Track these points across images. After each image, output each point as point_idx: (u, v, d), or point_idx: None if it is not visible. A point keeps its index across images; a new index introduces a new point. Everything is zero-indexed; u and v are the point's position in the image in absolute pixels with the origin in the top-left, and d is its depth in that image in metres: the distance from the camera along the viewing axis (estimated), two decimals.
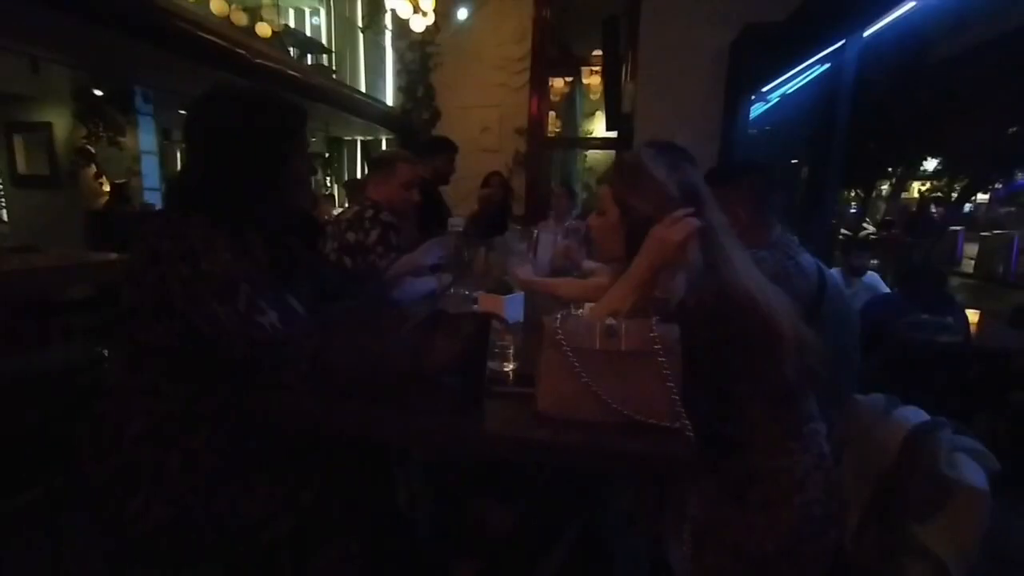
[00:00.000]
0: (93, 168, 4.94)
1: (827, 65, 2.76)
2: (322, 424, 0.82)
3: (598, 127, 7.76)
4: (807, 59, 2.82)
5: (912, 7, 2.32)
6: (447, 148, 3.01)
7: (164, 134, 5.65)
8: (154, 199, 5.22)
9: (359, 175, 7.45)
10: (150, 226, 0.85)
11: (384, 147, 7.18)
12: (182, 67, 3.50)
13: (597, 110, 7.69)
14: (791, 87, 3.08)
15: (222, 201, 0.89)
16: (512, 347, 0.94)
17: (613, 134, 4.56)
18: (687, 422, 0.71)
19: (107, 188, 5.03)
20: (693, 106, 3.30)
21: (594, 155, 7.74)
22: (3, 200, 5.30)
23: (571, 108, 7.15)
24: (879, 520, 0.88)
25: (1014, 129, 6.97)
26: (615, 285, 0.89)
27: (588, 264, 2.08)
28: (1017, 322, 3.09)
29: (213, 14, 4.27)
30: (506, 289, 1.34)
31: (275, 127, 0.93)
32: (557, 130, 6.67)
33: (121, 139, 4.96)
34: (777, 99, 3.15)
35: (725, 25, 3.14)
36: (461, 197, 3.82)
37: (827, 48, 2.67)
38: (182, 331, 0.82)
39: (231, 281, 0.81)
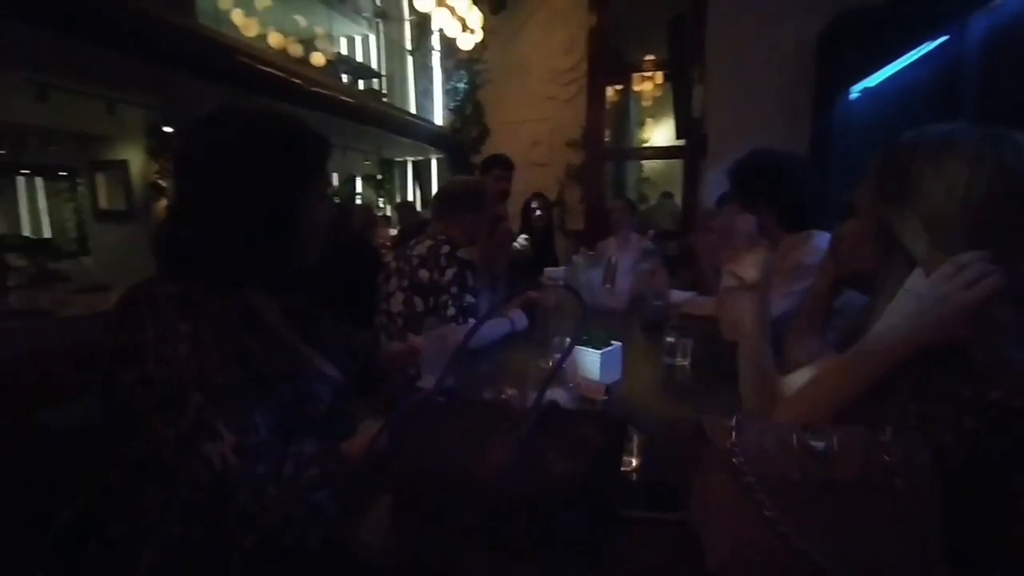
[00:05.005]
0: (164, 201, 5.17)
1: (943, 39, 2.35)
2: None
3: (653, 135, 7.41)
4: (916, 44, 2.44)
5: None
6: (496, 164, 2.82)
7: None
8: None
9: (410, 196, 7.48)
10: (116, 310, 0.68)
11: (435, 166, 7.17)
12: (242, 99, 3.59)
13: (649, 117, 7.36)
14: (889, 71, 2.67)
15: (217, 256, 0.70)
16: (636, 437, 0.71)
17: (681, 142, 4.26)
18: None
19: None
20: (774, 106, 2.96)
21: (651, 165, 7.38)
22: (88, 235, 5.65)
23: (623, 117, 6.86)
24: None
25: None
26: (835, 366, 0.60)
27: (676, 295, 1.80)
28: None
29: (271, 47, 4.44)
30: (599, 340, 1.11)
31: (291, 155, 0.73)
32: (606, 140, 6.41)
33: None
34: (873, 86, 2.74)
35: (809, 15, 2.81)
36: (511, 214, 3.62)
37: (944, 28, 2.29)
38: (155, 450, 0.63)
39: (177, 388, 0.61)
